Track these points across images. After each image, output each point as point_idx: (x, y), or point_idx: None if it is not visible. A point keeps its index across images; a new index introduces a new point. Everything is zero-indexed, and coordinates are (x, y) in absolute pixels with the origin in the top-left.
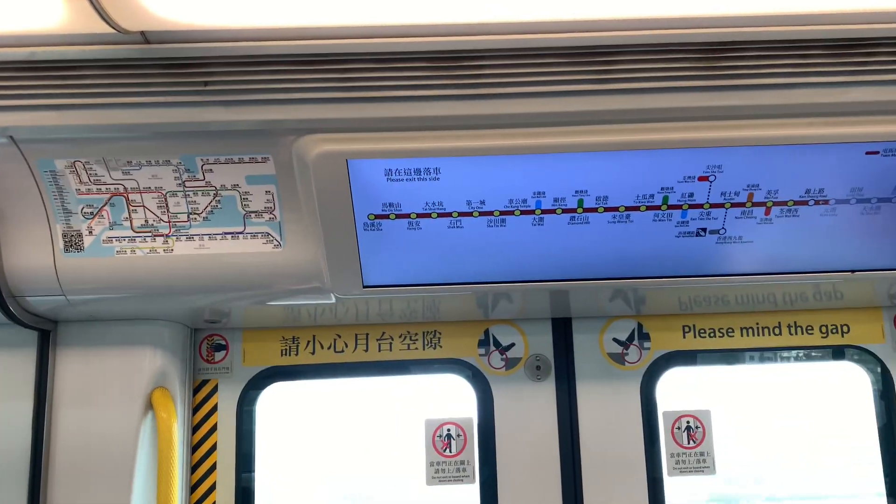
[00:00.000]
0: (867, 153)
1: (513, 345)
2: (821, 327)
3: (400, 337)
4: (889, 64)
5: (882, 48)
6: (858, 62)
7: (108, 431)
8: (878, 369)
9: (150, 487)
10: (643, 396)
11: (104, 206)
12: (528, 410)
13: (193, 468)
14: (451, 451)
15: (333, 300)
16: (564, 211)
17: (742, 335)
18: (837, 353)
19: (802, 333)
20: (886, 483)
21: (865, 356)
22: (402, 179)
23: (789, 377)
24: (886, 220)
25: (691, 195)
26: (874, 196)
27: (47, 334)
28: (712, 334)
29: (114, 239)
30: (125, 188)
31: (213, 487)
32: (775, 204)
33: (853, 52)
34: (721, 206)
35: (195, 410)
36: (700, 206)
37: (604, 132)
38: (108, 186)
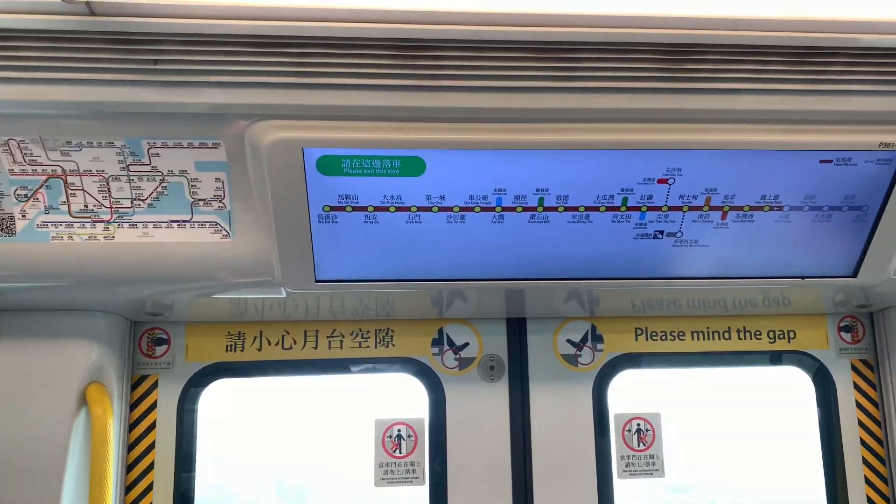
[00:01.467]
0: (821, 161)
1: (467, 344)
2: (768, 332)
3: (351, 334)
4: (844, 74)
5: (838, 58)
6: (815, 71)
7: (38, 428)
8: (822, 375)
9: (83, 487)
10: (595, 398)
11: (40, 188)
12: (481, 411)
13: (129, 467)
14: (401, 452)
15: (284, 294)
16: (525, 209)
17: (693, 339)
18: (783, 357)
19: (751, 338)
20: (827, 487)
21: (809, 361)
22: (360, 170)
23: (737, 381)
24: (836, 228)
25: (650, 197)
26: (826, 204)
27: None
28: (664, 337)
29: (49, 224)
30: (63, 170)
31: (149, 488)
32: (732, 209)
33: (810, 60)
34: (679, 209)
35: (133, 407)
36: (659, 208)
37: (566, 130)
38: (44, 167)
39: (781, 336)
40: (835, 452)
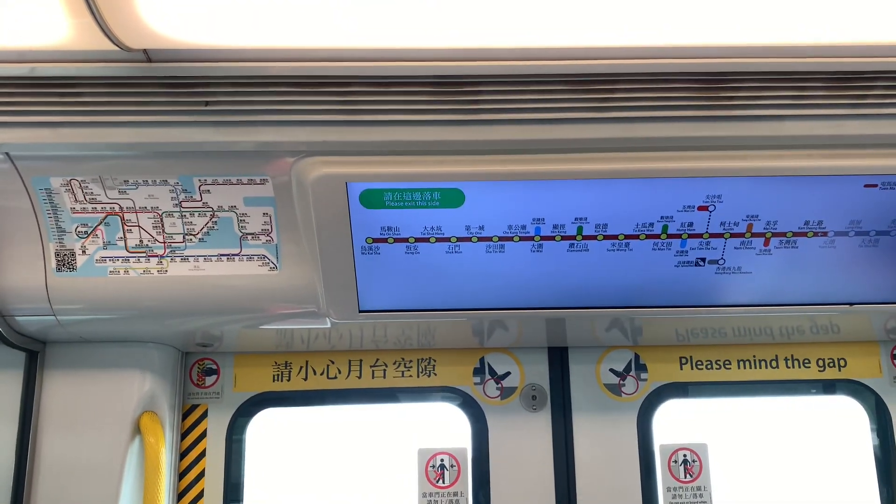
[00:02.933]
0: (865, 186)
1: (508, 374)
2: (818, 360)
3: (394, 364)
4: (886, 98)
5: (879, 82)
6: (856, 95)
7: (94, 456)
8: (875, 404)
9: None
10: (640, 428)
11: (99, 225)
12: (523, 441)
13: (180, 495)
14: (444, 482)
15: (328, 325)
16: (563, 238)
17: (739, 367)
18: (834, 386)
19: (799, 366)
20: None
21: (862, 390)
22: (402, 203)
23: (786, 411)
24: (884, 253)
25: (691, 224)
26: (872, 229)
27: (35, 355)
28: (709, 366)
29: (107, 259)
30: (121, 207)
31: None
32: (774, 235)
33: (850, 85)
34: (720, 235)
35: (184, 436)
36: (699, 235)
37: (603, 160)
38: (103, 205)
39: (832, 364)
40: (892, 482)
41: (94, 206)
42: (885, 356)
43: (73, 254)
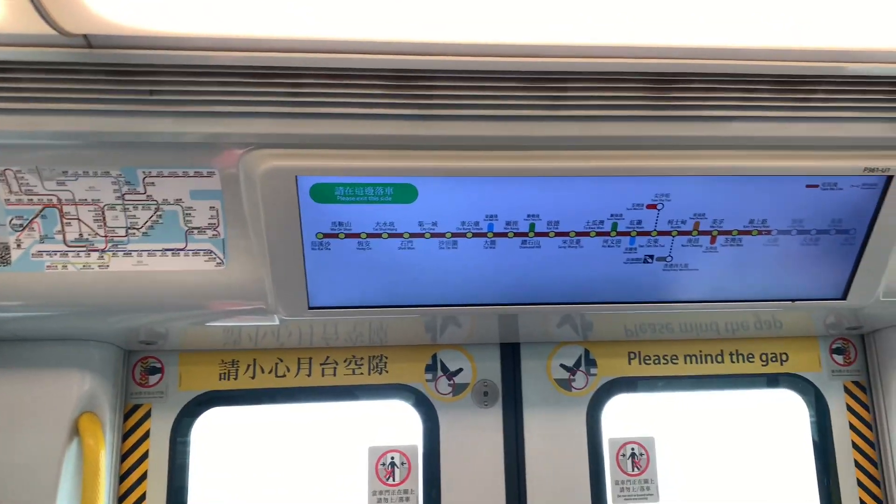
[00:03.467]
0: (807, 186)
1: (461, 370)
2: (761, 355)
3: (345, 361)
4: (828, 101)
5: (822, 86)
6: (800, 98)
7: (29, 458)
8: (815, 397)
9: None
10: (589, 423)
11: (35, 217)
12: (475, 437)
13: (121, 499)
14: (394, 480)
15: (277, 322)
16: (516, 234)
17: (686, 362)
18: (776, 380)
19: (743, 361)
20: None
21: (802, 384)
22: (353, 198)
23: (730, 404)
24: (825, 251)
25: (639, 222)
26: (814, 228)
27: None
28: (657, 361)
29: (44, 253)
30: (59, 199)
31: None
32: (720, 233)
33: (795, 88)
34: (668, 233)
35: (125, 437)
36: (648, 233)
37: (555, 158)
38: (40, 197)
39: (774, 359)
40: (829, 475)
41: (29, 197)
42: (825, 351)
43: (6, 248)
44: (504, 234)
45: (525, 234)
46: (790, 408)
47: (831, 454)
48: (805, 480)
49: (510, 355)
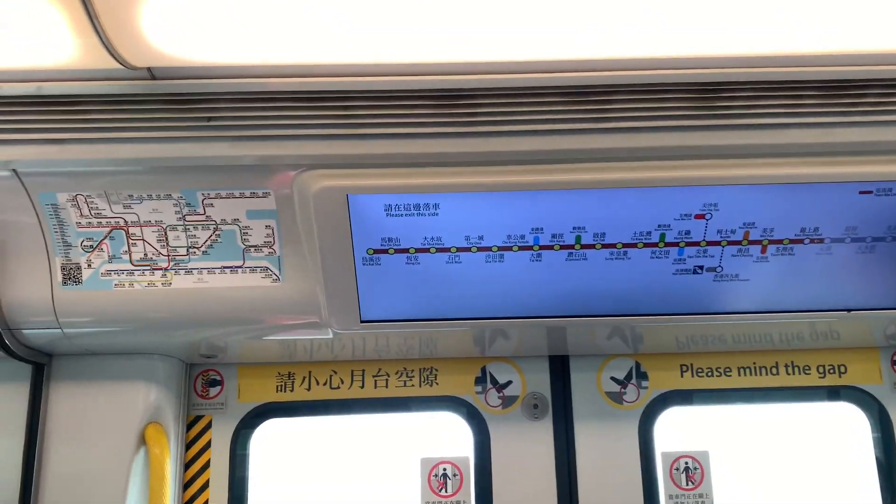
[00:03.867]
0: (861, 192)
1: (510, 382)
2: (818, 367)
3: (396, 373)
4: (879, 105)
5: (872, 90)
6: (849, 103)
7: (99, 467)
8: (877, 410)
9: None
10: (641, 436)
11: (104, 239)
12: (525, 450)
13: None
14: (447, 491)
15: (331, 335)
16: (562, 247)
17: (739, 374)
18: (835, 393)
19: (800, 373)
20: None
21: (863, 397)
22: (402, 214)
23: (787, 417)
24: (881, 259)
25: (688, 233)
26: (869, 235)
27: (41, 367)
28: (710, 373)
29: (112, 272)
30: (125, 221)
31: None
32: (771, 242)
33: (844, 93)
34: (718, 243)
35: (188, 446)
36: (697, 243)
37: (600, 170)
38: (108, 220)
39: (832, 370)
40: (894, 488)
41: (99, 220)
42: (886, 362)
43: (78, 267)
44: (550, 247)
45: (571, 247)
46: (850, 422)
47: (894, 467)
48: (867, 496)
49: (560, 368)
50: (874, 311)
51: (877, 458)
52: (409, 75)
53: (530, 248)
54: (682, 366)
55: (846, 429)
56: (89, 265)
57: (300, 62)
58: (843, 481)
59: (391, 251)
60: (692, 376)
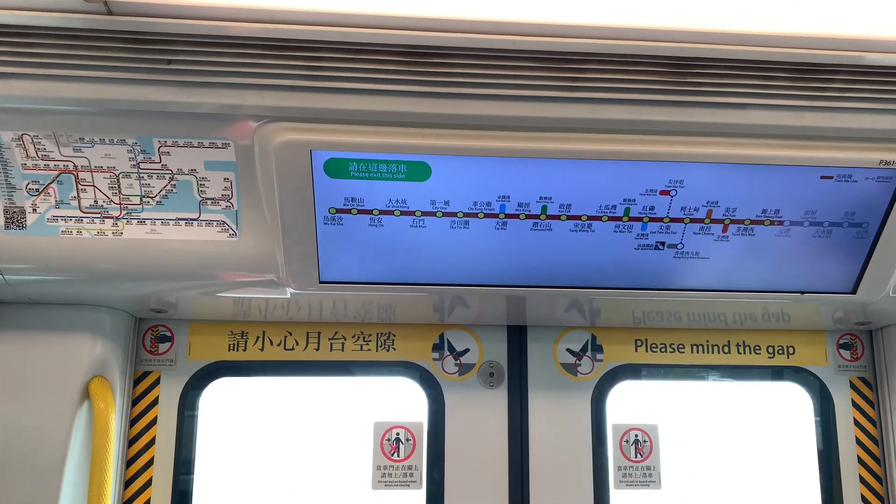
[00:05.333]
0: (822, 177)
1: (467, 350)
2: (768, 347)
3: (353, 337)
4: (847, 91)
5: (841, 75)
6: (817, 87)
7: (40, 420)
8: (820, 391)
9: (83, 481)
10: (593, 408)
11: (51, 182)
12: (480, 417)
13: (129, 462)
14: (399, 455)
15: (288, 295)
16: (528, 217)
17: (692, 351)
18: (781, 373)
19: (750, 353)
20: (823, 502)
21: (808, 378)
22: (367, 174)
23: (735, 395)
24: (836, 244)
25: (652, 208)
26: (826, 220)
27: None
28: (663, 349)
29: (59, 218)
30: (75, 166)
31: (149, 483)
32: (733, 222)
33: (813, 77)
34: (680, 220)
35: (134, 403)
36: (660, 219)
37: (570, 140)
38: (56, 163)
39: (781, 351)
40: (832, 470)
41: (46, 162)
42: (832, 345)
43: (23, 211)
44: (516, 216)
45: (537, 217)
46: (795, 401)
47: (834, 449)
48: (807, 475)
49: (517, 338)
50: (826, 294)
51: (817, 438)
52: (381, 28)
53: (496, 215)
54: (636, 340)
55: (790, 408)
56: (34, 210)
57: (267, 6)
58: (784, 458)
59: (354, 212)
60: (646, 351)
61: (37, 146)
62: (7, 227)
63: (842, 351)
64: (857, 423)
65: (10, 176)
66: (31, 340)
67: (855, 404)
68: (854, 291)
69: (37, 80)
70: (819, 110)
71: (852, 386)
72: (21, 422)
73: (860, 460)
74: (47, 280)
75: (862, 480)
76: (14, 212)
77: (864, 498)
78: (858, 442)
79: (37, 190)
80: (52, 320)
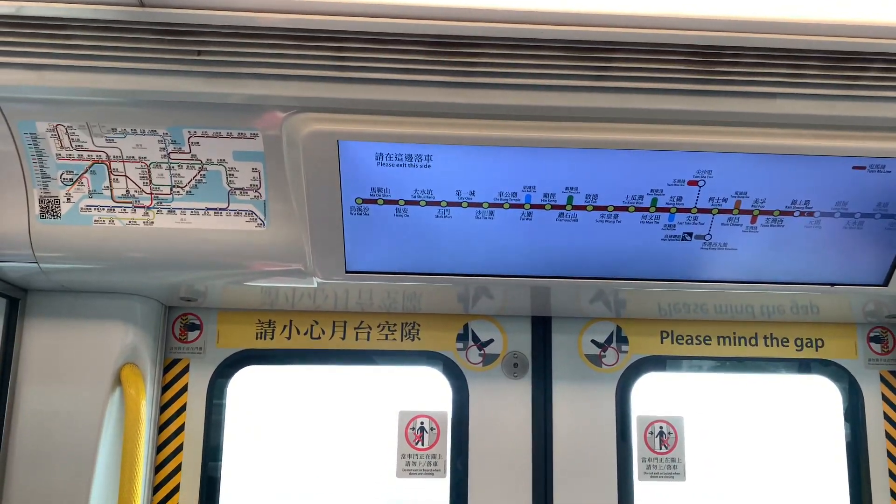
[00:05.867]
0: (854, 168)
1: (491, 341)
2: (796, 340)
3: (378, 327)
4: (880, 80)
5: (874, 63)
6: (850, 76)
7: (73, 406)
8: (849, 385)
9: (115, 465)
10: (618, 399)
11: (84, 172)
12: (503, 407)
13: (159, 448)
14: (423, 444)
15: (315, 284)
16: (553, 207)
17: (719, 343)
18: (810, 366)
19: (778, 345)
20: (852, 499)
21: (837, 371)
22: (393, 164)
23: (763, 388)
24: (867, 236)
25: (680, 199)
26: (858, 211)
27: (16, 302)
28: (689, 341)
29: (92, 207)
30: (108, 156)
31: (178, 468)
32: (762, 213)
33: (846, 65)
34: (708, 211)
35: (164, 389)
36: (688, 210)
37: (597, 130)
38: (89, 153)
39: (809, 344)
40: (861, 463)
41: (80, 153)
42: (862, 338)
43: (57, 201)
44: (541, 206)
45: (563, 207)
46: (823, 394)
47: (863, 443)
48: (835, 469)
49: (541, 328)
50: (857, 286)
51: (846, 433)
52: (407, 18)
53: (521, 206)
54: (662, 332)
55: (819, 401)
56: (68, 199)
57: None
58: (812, 452)
59: (380, 202)
60: (672, 343)
61: (71, 137)
62: (42, 216)
63: (872, 344)
64: (886, 417)
65: (45, 166)
66: (64, 328)
67: (885, 398)
68: (886, 283)
69: (71, 72)
70: (851, 99)
71: (882, 380)
72: (55, 408)
73: (890, 455)
74: (80, 268)
75: (892, 475)
76: (49, 201)
77: (893, 493)
78: (888, 436)
79: (71, 180)
80: (85, 308)
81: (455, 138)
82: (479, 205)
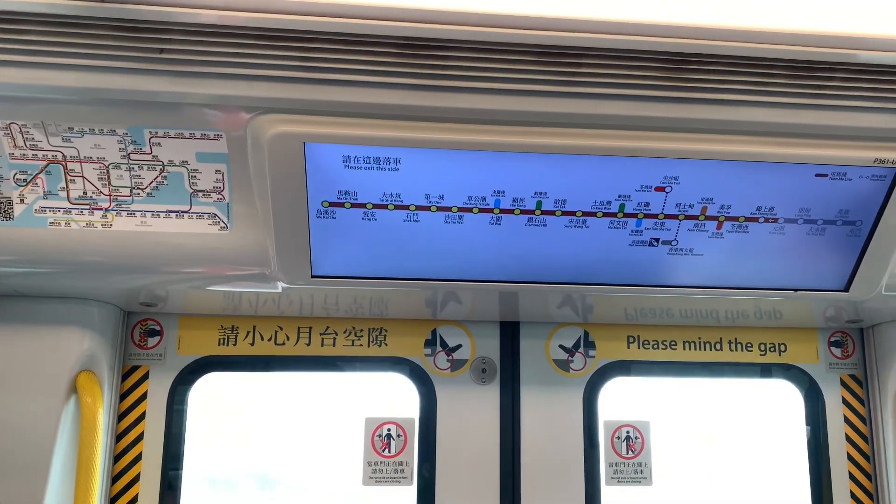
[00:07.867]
0: (816, 175)
1: (460, 346)
2: (759, 345)
3: (344, 332)
4: (843, 89)
5: (837, 73)
6: (816, 85)
7: (26, 416)
8: (810, 388)
9: (70, 475)
10: (585, 404)
11: (39, 173)
12: (471, 413)
13: (117, 457)
14: (390, 451)
15: (279, 289)
16: (523, 212)
17: (685, 348)
18: (773, 370)
19: (742, 350)
20: (813, 498)
21: (799, 375)
22: (361, 167)
23: (728, 392)
24: (829, 242)
25: (647, 205)
26: (820, 217)
27: None
28: (655, 346)
29: (47, 209)
30: (64, 156)
31: (136, 478)
32: (727, 219)
33: (812, 75)
34: (675, 217)
35: (123, 397)
36: (655, 216)
37: (566, 135)
38: (45, 153)
39: (772, 349)
40: (822, 467)
41: (35, 152)
42: (823, 343)
43: (10, 202)
44: (510, 211)
45: (531, 212)
46: (786, 398)
47: (824, 446)
48: (797, 471)
49: (509, 334)
50: (819, 291)
51: (808, 434)
52: (375, 19)
53: (490, 210)
54: (629, 337)
55: (782, 405)
56: (22, 200)
57: None
58: (775, 455)
59: (347, 205)
60: (638, 348)
61: (25, 136)
62: None
63: (833, 349)
64: (847, 420)
65: None
66: (17, 334)
67: (845, 402)
68: (846, 289)
69: (25, 68)
70: (815, 108)
71: (843, 383)
72: (7, 417)
73: (850, 457)
74: (34, 272)
75: (851, 477)
76: (1, 202)
77: (853, 495)
78: (848, 439)
79: (24, 180)
80: (40, 313)
81: (424, 141)
82: (449, 209)
